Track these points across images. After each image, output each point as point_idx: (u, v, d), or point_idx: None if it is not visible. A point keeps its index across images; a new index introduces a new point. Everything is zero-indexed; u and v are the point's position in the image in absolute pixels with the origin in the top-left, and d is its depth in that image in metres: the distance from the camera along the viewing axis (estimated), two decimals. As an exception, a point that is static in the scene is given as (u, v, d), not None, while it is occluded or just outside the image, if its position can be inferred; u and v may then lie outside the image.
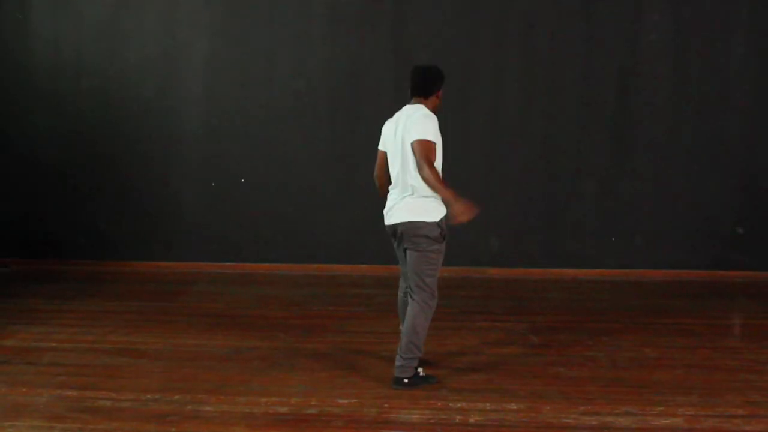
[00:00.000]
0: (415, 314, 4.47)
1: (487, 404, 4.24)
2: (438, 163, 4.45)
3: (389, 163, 4.58)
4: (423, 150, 4.31)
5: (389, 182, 4.62)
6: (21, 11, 7.67)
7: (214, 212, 7.72)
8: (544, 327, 5.76)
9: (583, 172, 7.50)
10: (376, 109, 7.44)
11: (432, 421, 4.05)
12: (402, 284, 4.75)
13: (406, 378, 4.47)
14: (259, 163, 7.67)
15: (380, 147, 4.67)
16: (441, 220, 4.47)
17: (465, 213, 4.27)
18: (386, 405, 4.24)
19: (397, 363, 4.48)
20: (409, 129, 4.39)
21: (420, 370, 4.53)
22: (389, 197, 4.58)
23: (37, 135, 7.78)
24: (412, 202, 4.45)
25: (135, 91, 7.67)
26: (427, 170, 4.27)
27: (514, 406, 4.22)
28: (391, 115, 4.65)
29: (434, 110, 4.53)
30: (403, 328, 4.52)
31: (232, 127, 7.67)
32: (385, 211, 4.59)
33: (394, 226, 4.52)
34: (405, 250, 4.54)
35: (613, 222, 7.52)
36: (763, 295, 6.87)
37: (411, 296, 4.53)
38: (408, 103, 4.59)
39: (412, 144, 4.35)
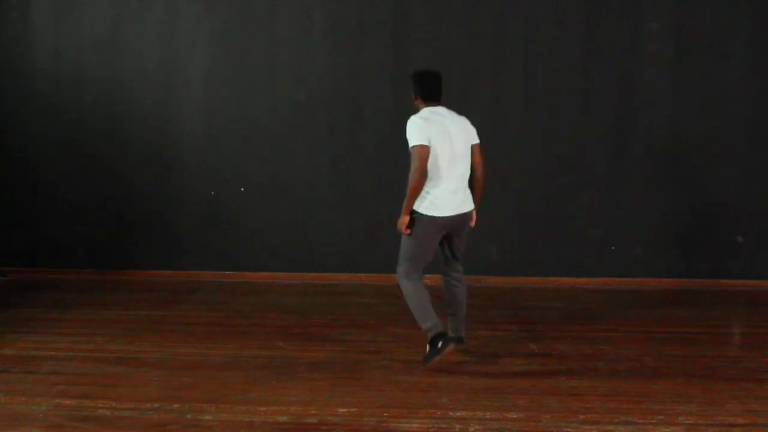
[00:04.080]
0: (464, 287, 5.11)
1: (487, 413, 4.24)
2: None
3: (442, 157, 4.79)
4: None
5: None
6: (22, 21, 7.69)
7: (213, 221, 7.73)
8: (543, 336, 5.76)
9: (582, 181, 7.51)
10: (375, 119, 7.52)
11: (432, 430, 4.04)
12: (420, 272, 4.98)
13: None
14: (259, 173, 7.67)
15: (425, 142, 4.77)
16: None
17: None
18: (386, 414, 4.24)
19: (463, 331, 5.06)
20: (472, 132, 5.00)
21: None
22: (449, 189, 4.83)
23: (37, 144, 7.79)
24: (467, 193, 4.98)
25: (135, 102, 7.68)
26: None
27: (513, 416, 4.21)
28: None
29: None
30: (462, 303, 5.07)
31: (231, 136, 7.68)
32: (444, 202, 4.81)
33: (458, 216, 4.89)
34: (449, 236, 4.97)
35: (612, 230, 7.52)
36: (763, 304, 6.87)
37: (461, 276, 5.10)
38: (427, 106, 4.94)
39: (477, 145, 5.01)
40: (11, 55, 7.75)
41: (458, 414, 4.23)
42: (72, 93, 7.71)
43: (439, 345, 4.80)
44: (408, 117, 4.88)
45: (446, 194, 4.82)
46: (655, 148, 7.45)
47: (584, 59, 7.42)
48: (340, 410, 4.28)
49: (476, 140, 5.00)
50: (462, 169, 4.90)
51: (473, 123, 5.07)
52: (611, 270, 7.50)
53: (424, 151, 4.72)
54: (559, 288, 7.36)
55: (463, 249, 5.12)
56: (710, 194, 7.44)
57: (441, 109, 4.90)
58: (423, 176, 4.74)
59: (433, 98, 4.90)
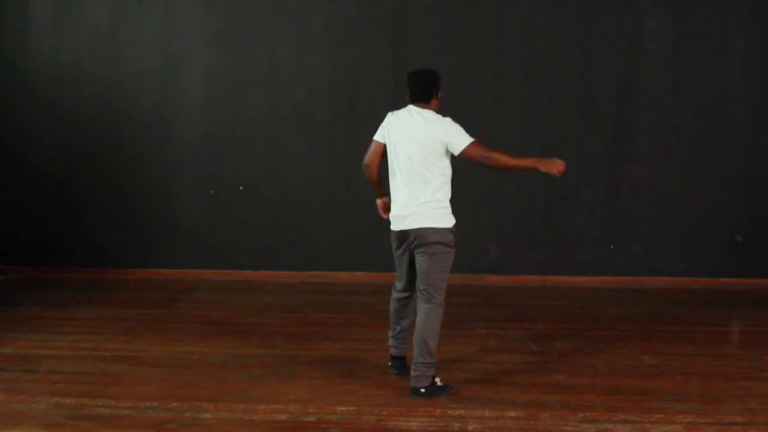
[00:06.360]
0: (426, 320, 4.44)
1: (486, 412, 4.24)
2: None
3: (395, 162, 4.49)
4: (479, 150, 4.32)
5: (379, 173, 4.59)
6: (21, 21, 7.70)
7: (213, 220, 7.74)
8: (542, 334, 5.76)
9: (582, 180, 7.50)
10: (375, 117, 7.44)
11: (430, 428, 4.04)
12: (397, 288, 4.71)
13: (422, 387, 4.42)
14: (258, 171, 7.68)
15: (379, 138, 4.60)
16: (454, 226, 4.47)
17: (555, 165, 4.31)
18: (385, 412, 4.23)
19: (413, 373, 4.46)
20: (444, 138, 4.34)
21: (437, 379, 4.49)
22: (399, 201, 4.49)
23: (36, 144, 7.79)
24: (428, 208, 4.40)
25: (134, 101, 7.69)
26: (495, 159, 4.31)
27: (512, 414, 4.21)
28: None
29: (436, 112, 4.52)
30: (415, 336, 4.47)
31: (231, 135, 7.68)
32: (394, 215, 4.53)
33: (407, 232, 4.45)
34: (413, 255, 4.49)
35: (611, 229, 7.53)
36: (762, 303, 6.87)
37: (421, 302, 4.48)
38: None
39: (464, 152, 4.32)
40: (11, 55, 7.76)
41: (457, 413, 4.23)
42: (71, 93, 7.72)
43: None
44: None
45: (397, 207, 4.50)
46: (655, 148, 7.45)
47: (584, 59, 7.42)
48: (339, 408, 4.28)
49: (463, 145, 4.33)
50: (413, 181, 4.41)
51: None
52: (611, 269, 7.49)
53: (373, 145, 4.61)
54: (558, 287, 7.36)
55: (426, 277, 4.42)
56: (710, 194, 7.43)
57: (416, 109, 4.49)
58: (365, 166, 4.66)
59: (412, 100, 4.54)
